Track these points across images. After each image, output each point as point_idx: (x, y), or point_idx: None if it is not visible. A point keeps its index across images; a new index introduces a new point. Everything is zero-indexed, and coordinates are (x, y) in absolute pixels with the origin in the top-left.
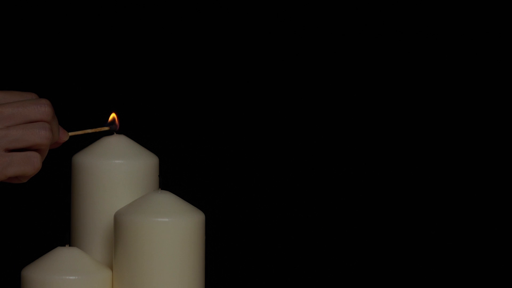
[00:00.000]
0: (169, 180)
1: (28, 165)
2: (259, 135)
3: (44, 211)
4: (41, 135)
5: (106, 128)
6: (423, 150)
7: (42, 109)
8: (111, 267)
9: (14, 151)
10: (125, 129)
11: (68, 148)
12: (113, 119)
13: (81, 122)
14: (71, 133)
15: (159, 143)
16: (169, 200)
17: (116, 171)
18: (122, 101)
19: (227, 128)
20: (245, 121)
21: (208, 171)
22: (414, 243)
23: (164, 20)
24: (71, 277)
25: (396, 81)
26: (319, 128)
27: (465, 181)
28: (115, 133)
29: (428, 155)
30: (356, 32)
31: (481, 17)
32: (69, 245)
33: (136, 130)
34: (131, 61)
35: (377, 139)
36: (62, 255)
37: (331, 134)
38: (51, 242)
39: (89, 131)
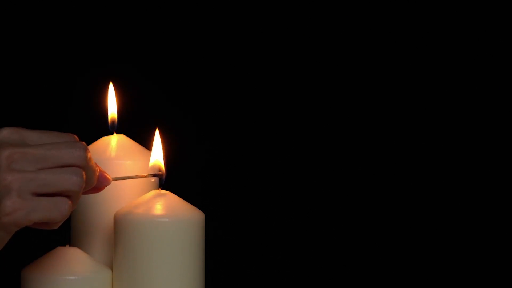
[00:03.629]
0: (169, 180)
1: (55, 211)
2: (259, 135)
3: None
4: (72, 181)
5: (151, 176)
6: (424, 150)
7: (76, 153)
8: (111, 267)
9: (43, 195)
10: (125, 129)
11: None
12: (159, 167)
13: (81, 123)
14: (114, 179)
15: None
16: (169, 200)
17: (116, 171)
18: (121, 100)
19: (227, 127)
20: (245, 121)
21: (208, 171)
22: (414, 243)
23: (170, 22)
24: (71, 277)
25: (396, 81)
26: (319, 128)
27: (465, 181)
28: (114, 133)
29: (428, 155)
30: (355, 32)
31: (481, 17)
32: (69, 245)
33: (136, 130)
34: (130, 61)
35: (377, 139)
36: (62, 255)
37: (331, 134)
38: (51, 242)
39: (133, 177)
